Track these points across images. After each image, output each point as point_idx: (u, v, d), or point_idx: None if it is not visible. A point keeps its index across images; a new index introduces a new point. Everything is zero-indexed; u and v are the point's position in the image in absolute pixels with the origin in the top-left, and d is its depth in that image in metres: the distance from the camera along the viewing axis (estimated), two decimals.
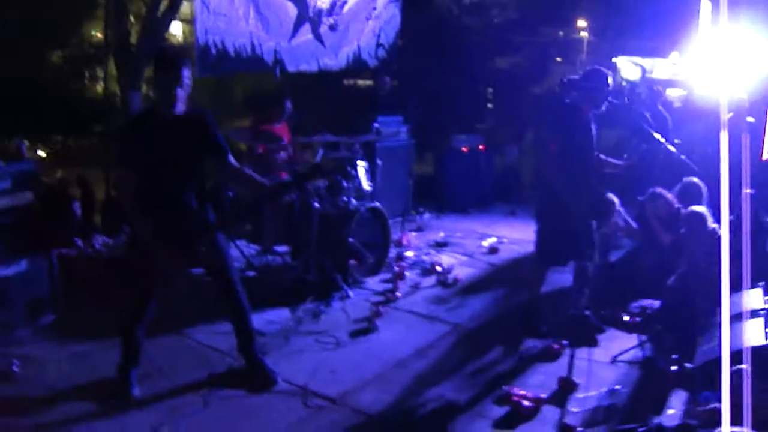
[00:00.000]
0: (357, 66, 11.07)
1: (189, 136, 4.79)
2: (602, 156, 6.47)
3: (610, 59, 21.68)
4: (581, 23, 25.05)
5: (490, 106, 16.71)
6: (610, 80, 6.07)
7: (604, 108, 6.12)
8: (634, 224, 7.74)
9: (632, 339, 6.16)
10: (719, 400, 4.58)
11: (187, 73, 4.74)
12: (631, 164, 6.73)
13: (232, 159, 5.03)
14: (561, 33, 24.54)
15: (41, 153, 13.67)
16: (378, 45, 10.88)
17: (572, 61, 20.39)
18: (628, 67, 20.76)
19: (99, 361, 5.43)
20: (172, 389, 5.08)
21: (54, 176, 9.62)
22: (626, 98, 8.77)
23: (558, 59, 19.14)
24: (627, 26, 17.99)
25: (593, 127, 6.17)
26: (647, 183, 8.20)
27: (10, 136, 8.12)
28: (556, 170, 5.96)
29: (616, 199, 7.43)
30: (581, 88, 5.95)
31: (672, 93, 17.92)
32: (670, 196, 7.30)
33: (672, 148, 6.60)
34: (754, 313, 4.91)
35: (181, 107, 4.77)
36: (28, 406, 4.81)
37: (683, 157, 6.69)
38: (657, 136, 6.63)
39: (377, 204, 7.82)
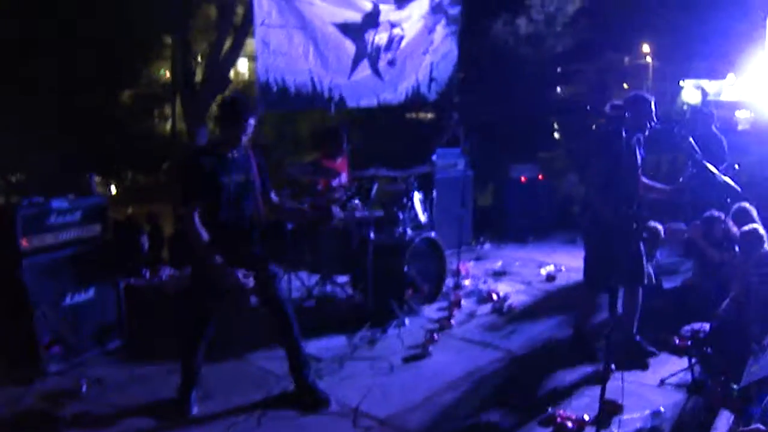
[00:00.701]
0: (416, 100, 11.25)
1: (245, 174, 5.09)
2: (647, 181, 6.53)
3: (677, 83, 21.59)
4: (646, 48, 24.95)
5: (557, 136, 16.75)
6: (653, 105, 6.13)
7: (647, 133, 6.18)
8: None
9: (682, 362, 6.16)
10: (762, 420, 4.65)
11: (252, 122, 5.04)
12: (677, 189, 6.74)
13: (273, 195, 5.37)
14: (626, 59, 24.47)
15: (113, 189, 14.15)
16: (431, 80, 11.05)
17: (638, 86, 20.29)
18: (689, 91, 20.60)
19: (161, 383, 5.69)
20: (229, 409, 5.29)
21: (124, 211, 9.98)
22: (675, 122, 8.67)
23: (624, 85, 19.07)
24: (690, 49, 17.85)
25: (638, 151, 6.21)
26: (697, 206, 8.24)
27: (83, 171, 8.45)
28: (601, 195, 6.03)
29: (660, 227, 7.45)
30: (624, 113, 5.98)
31: (740, 115, 17.78)
32: (724, 219, 7.31)
33: (715, 171, 6.60)
34: None
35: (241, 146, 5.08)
36: (94, 423, 5.10)
37: (727, 179, 6.68)
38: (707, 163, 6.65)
39: (433, 234, 7.94)
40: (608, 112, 6.10)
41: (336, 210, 5.56)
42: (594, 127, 12.23)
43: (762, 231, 6.73)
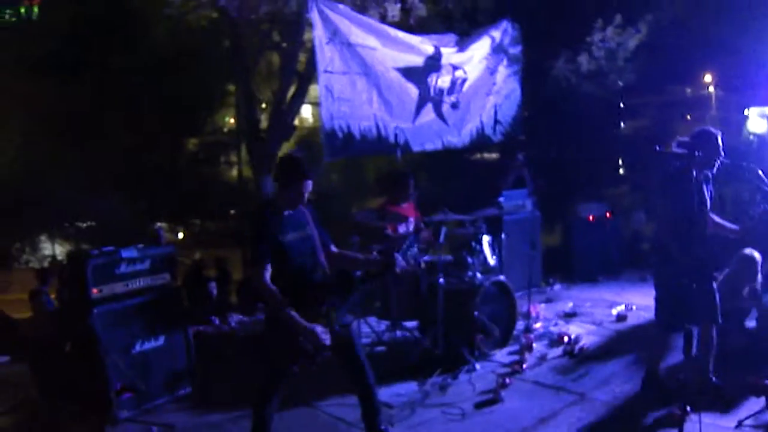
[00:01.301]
0: (481, 141, 11.19)
1: (303, 229, 5.12)
2: (717, 218, 6.42)
3: (742, 112, 21.24)
4: (708, 78, 24.65)
5: (621, 172, 16.60)
6: (719, 140, 6.03)
7: (715, 169, 6.09)
8: None
9: (761, 402, 6.02)
10: None
11: (310, 182, 5.05)
12: (746, 228, 6.60)
13: (333, 247, 5.36)
14: (688, 90, 24.23)
15: (180, 235, 14.35)
16: (496, 122, 10.99)
17: (701, 117, 20.01)
18: (754, 120, 20.18)
19: (231, 429, 5.71)
20: None
21: (193, 257, 10.09)
22: (743, 156, 8.50)
23: (688, 117, 18.85)
24: (752, 76, 17.54)
25: (706, 188, 6.13)
26: None
27: (152, 220, 8.59)
28: (671, 234, 5.95)
29: (757, 255, 7.27)
30: (694, 151, 5.88)
31: None
32: None
33: None
34: None
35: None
36: None
37: None
38: None
39: (502, 278, 7.89)
40: (675, 150, 5.98)
41: (399, 258, 5.51)
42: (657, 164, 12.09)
43: None
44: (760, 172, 6.32)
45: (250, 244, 5.03)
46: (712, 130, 6.17)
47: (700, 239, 5.97)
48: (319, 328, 4.81)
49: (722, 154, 6.06)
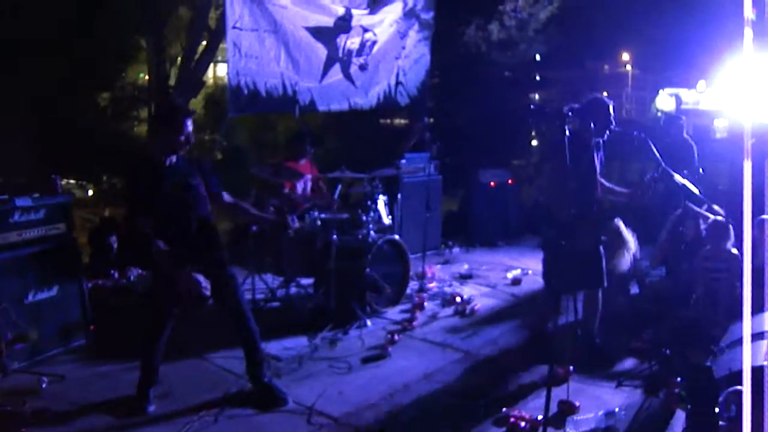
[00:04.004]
0: (387, 104, 11.31)
1: (186, 178, 5.17)
2: (607, 183, 6.60)
3: (656, 91, 21.81)
4: (626, 57, 25.19)
5: (534, 143, 16.89)
6: (611, 109, 6.21)
7: (606, 137, 6.28)
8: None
9: (642, 364, 6.37)
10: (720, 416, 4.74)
11: (189, 123, 5.09)
12: (635, 192, 6.77)
13: (226, 196, 5.45)
14: (606, 67, 24.69)
15: (90, 192, 14.19)
16: (402, 84, 11.12)
17: (618, 94, 20.48)
18: (663, 98, 20.79)
19: (121, 381, 5.76)
20: (186, 408, 5.36)
21: (102, 214, 10.04)
22: (637, 127, 8.81)
23: (604, 93, 19.24)
24: (669, 58, 18.02)
25: (597, 155, 6.30)
26: (663, 210, 8.40)
27: (58, 174, 8.52)
28: (558, 199, 6.08)
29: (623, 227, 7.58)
30: (582, 117, 6.05)
31: (718, 124, 18.01)
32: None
33: (676, 175, 6.71)
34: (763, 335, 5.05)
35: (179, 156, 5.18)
36: (53, 420, 5.15)
37: (686, 182, 6.81)
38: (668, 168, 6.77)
39: (396, 237, 8.03)
40: (566, 114, 6.15)
41: (292, 220, 5.65)
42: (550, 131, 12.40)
43: (728, 225, 6.90)
44: (650, 142, 6.55)
45: (126, 194, 5.12)
46: (605, 98, 6.36)
47: (587, 204, 6.16)
48: (197, 276, 4.92)
49: (613, 122, 6.22)
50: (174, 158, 5.15)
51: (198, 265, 5.03)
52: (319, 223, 7.60)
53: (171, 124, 5.06)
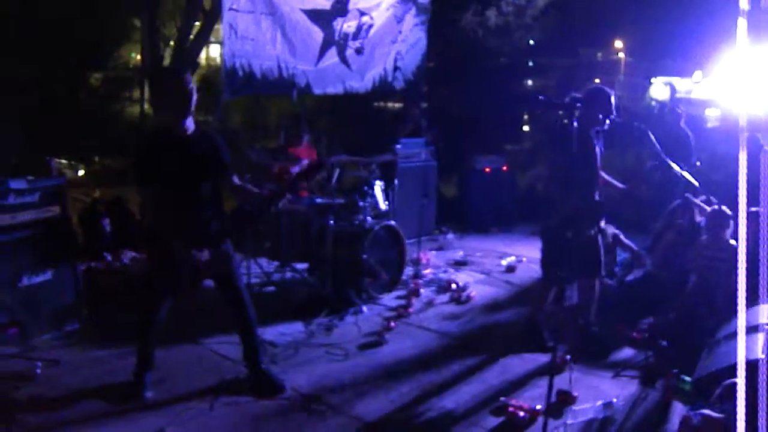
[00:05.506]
0: (383, 88, 11.28)
1: (202, 154, 5.02)
2: (606, 176, 6.56)
3: (648, 80, 21.83)
4: (618, 44, 25.21)
5: (526, 128, 16.87)
6: (612, 99, 6.15)
7: (606, 126, 6.21)
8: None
9: (639, 355, 6.36)
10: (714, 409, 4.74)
11: (193, 89, 4.94)
12: (632, 187, 6.71)
13: (235, 178, 5.34)
14: (599, 54, 24.71)
15: (81, 172, 14.10)
16: (399, 70, 11.08)
17: (610, 81, 20.49)
18: (657, 87, 20.80)
19: (117, 366, 5.72)
20: (183, 394, 5.32)
21: (93, 194, 9.96)
22: (636, 118, 8.82)
23: (596, 80, 19.24)
24: (662, 47, 18.06)
25: (596, 144, 6.24)
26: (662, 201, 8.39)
27: (50, 154, 8.43)
28: (558, 188, 6.07)
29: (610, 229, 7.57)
30: (583, 106, 5.99)
31: (710, 113, 18.05)
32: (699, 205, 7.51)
33: (675, 166, 6.68)
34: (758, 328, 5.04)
35: (191, 124, 5.01)
36: (47, 404, 5.11)
37: (686, 174, 6.78)
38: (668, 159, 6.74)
39: (393, 223, 7.99)
40: (566, 104, 6.09)
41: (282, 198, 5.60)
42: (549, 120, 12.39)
43: (728, 213, 6.88)
44: (650, 133, 6.51)
45: (135, 168, 4.96)
46: (606, 88, 6.29)
47: (587, 193, 6.10)
48: (197, 252, 4.87)
49: (613, 112, 6.16)
50: (191, 127, 4.99)
51: (198, 243, 4.95)
52: (314, 205, 7.54)
53: (168, 86, 4.92)
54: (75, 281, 6.64)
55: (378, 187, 8.04)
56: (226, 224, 5.30)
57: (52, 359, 5.84)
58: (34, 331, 6.20)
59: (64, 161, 13.47)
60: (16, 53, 9.61)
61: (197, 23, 10.73)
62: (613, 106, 6.18)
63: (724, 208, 7.01)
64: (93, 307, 6.80)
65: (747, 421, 3.14)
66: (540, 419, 5.01)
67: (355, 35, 10.36)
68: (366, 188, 7.88)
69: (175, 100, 4.88)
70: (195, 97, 4.96)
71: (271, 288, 7.93)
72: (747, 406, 3.15)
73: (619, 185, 6.67)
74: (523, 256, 9.77)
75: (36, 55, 9.88)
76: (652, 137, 6.48)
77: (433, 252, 9.90)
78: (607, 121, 6.18)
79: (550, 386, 4.53)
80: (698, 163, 10.16)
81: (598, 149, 6.28)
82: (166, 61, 11.14)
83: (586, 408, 5.28)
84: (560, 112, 6.05)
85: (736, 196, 3.08)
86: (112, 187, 11.00)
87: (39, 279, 6.30)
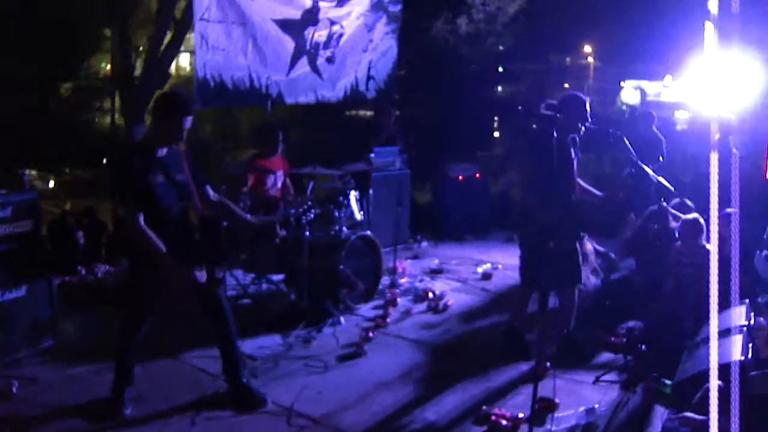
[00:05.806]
0: (355, 98, 11.28)
1: (175, 172, 5.02)
2: (583, 184, 6.57)
3: (618, 84, 22.00)
4: (587, 49, 25.35)
5: (497, 135, 16.94)
6: (587, 106, 6.14)
7: (581, 133, 6.21)
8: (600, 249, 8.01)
9: (618, 360, 6.37)
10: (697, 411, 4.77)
11: (189, 120, 4.95)
12: (609, 195, 6.68)
13: (212, 194, 5.34)
14: (568, 59, 24.84)
15: (51, 183, 13.97)
16: (370, 77, 11.09)
17: (580, 86, 20.64)
18: (628, 91, 20.96)
19: (94, 382, 5.64)
20: (163, 410, 5.26)
21: (63, 206, 9.87)
22: (611, 123, 8.89)
23: (566, 85, 19.33)
24: (631, 51, 18.20)
25: (572, 151, 6.25)
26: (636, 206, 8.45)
27: (20, 166, 8.35)
28: (536, 196, 6.05)
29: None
30: (557, 113, 5.87)
31: (679, 116, 18.22)
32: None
33: (650, 171, 6.71)
34: (732, 331, 5.09)
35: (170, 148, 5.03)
36: (24, 424, 5.03)
37: (661, 179, 6.81)
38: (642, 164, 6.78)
39: (368, 233, 7.95)
40: (541, 112, 6.10)
41: (279, 229, 5.57)
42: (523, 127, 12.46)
43: (702, 222, 6.93)
44: (626, 140, 6.55)
45: (119, 188, 4.94)
46: (581, 95, 6.28)
47: (564, 202, 6.07)
48: (195, 271, 4.85)
49: (589, 119, 6.15)
50: (164, 150, 4.99)
51: (187, 260, 4.92)
52: (291, 219, 7.50)
53: (172, 115, 4.91)
54: (50, 296, 6.53)
55: (353, 197, 8.02)
56: (217, 241, 5.26)
57: (29, 377, 5.76)
58: (9, 348, 6.08)
59: (34, 172, 13.36)
60: None
61: (168, 33, 10.66)
62: (588, 113, 6.19)
63: (696, 215, 7.08)
64: (68, 323, 6.71)
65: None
66: (523, 427, 5.03)
67: (326, 44, 10.36)
68: (341, 198, 7.85)
69: (176, 131, 4.92)
70: (183, 137, 5.03)
71: (247, 300, 7.87)
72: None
73: (597, 193, 6.65)
74: (498, 263, 9.76)
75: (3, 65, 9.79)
76: (628, 144, 6.51)
77: (409, 261, 9.88)
78: (583, 128, 6.20)
79: (535, 394, 4.54)
80: (660, 159, 10.21)
81: (574, 156, 6.30)
82: (137, 72, 11.04)
83: (568, 414, 5.29)
84: (542, 123, 6.04)
85: (707, 197, 3.10)
86: (83, 197, 10.91)
87: (12, 295, 6.18)
